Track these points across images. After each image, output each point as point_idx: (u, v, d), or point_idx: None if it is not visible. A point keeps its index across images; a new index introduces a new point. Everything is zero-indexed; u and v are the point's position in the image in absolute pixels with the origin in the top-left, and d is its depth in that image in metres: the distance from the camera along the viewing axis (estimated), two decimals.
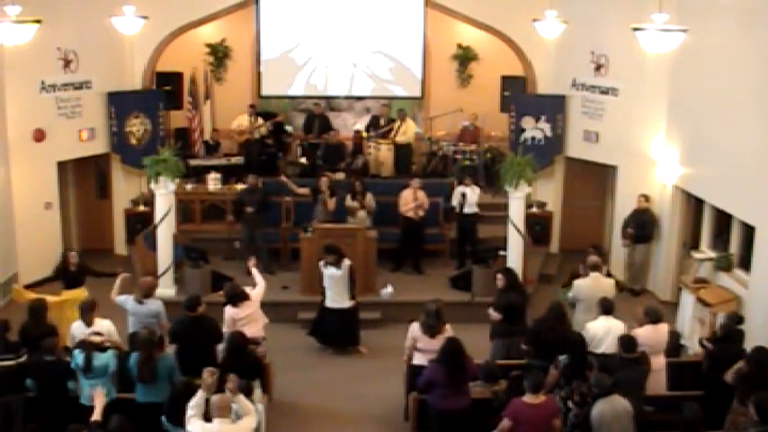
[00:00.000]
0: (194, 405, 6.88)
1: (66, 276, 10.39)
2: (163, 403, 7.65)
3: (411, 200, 12.72)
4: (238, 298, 9.16)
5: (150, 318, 8.88)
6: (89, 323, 8.40)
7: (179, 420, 7.07)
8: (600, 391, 7.03)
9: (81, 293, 10.04)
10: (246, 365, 7.98)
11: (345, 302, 10.62)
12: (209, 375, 7.04)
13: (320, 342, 10.90)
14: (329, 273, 10.47)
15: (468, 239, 12.89)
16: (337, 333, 10.77)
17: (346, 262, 10.52)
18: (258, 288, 9.55)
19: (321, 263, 10.56)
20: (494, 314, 9.30)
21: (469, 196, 12.67)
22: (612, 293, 9.47)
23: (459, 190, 12.84)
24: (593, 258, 9.89)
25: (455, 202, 12.80)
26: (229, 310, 9.15)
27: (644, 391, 7.85)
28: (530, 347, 8.55)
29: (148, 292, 9.06)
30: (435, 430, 7.85)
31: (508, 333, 9.22)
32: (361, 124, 15.69)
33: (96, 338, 8.05)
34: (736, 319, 8.78)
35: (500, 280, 9.59)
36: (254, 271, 9.86)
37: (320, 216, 12.43)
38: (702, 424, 6.84)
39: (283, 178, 13.32)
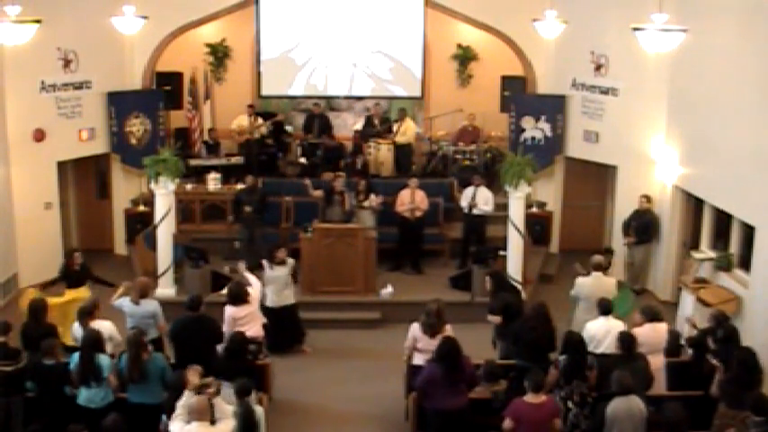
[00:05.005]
0: (182, 405, 6.89)
1: (69, 276, 10.37)
2: (155, 404, 7.61)
3: (407, 200, 12.71)
4: (241, 299, 9.18)
5: (147, 318, 8.86)
6: (86, 327, 8.35)
7: None
8: (619, 390, 7.01)
9: (84, 293, 10.07)
10: (243, 368, 7.93)
11: (289, 300, 10.65)
12: (194, 375, 7.03)
13: (273, 350, 10.27)
14: (276, 274, 10.45)
15: (475, 240, 12.79)
16: (284, 332, 10.56)
17: (290, 260, 10.63)
18: (255, 288, 9.56)
19: (266, 264, 10.50)
20: (494, 318, 9.25)
21: (483, 197, 12.62)
22: (614, 293, 9.50)
23: (468, 191, 12.78)
24: (597, 257, 9.91)
25: (465, 203, 12.73)
26: (229, 309, 9.17)
27: (646, 391, 7.84)
28: (513, 347, 8.56)
29: (144, 292, 9.03)
30: (433, 430, 7.85)
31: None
32: (360, 125, 15.69)
33: None
34: (723, 320, 8.68)
35: (488, 283, 9.63)
36: (246, 273, 9.86)
37: (336, 217, 12.30)
38: (686, 424, 6.81)
39: (308, 185, 13.02)
